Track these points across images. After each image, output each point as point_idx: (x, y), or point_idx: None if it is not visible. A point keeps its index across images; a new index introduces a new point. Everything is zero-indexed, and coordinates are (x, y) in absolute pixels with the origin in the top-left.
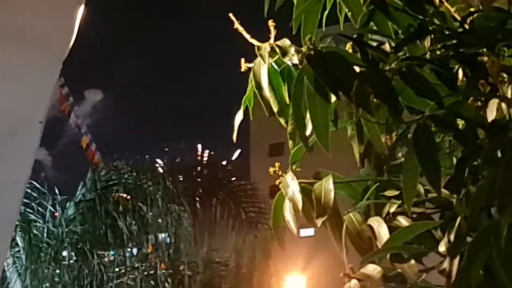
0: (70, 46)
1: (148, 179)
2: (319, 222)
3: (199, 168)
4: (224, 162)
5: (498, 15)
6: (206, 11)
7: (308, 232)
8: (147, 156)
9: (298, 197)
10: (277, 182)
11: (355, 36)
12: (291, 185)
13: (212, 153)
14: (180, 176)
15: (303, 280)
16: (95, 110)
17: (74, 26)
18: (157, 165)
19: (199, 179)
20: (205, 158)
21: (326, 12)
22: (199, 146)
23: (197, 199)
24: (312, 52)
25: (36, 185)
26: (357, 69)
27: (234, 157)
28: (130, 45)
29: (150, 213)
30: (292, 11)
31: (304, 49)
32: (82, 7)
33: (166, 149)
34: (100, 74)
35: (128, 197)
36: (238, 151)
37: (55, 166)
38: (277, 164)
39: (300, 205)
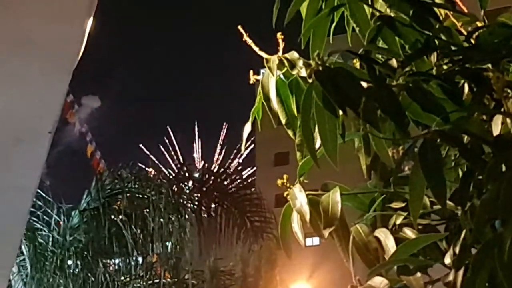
0: (79, 57)
1: (153, 188)
2: (326, 233)
3: (204, 177)
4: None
5: (503, 31)
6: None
7: (314, 241)
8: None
9: (306, 209)
10: (285, 194)
11: (362, 52)
12: (299, 197)
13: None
14: (185, 185)
15: None
16: (93, 116)
17: (84, 37)
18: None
19: (204, 188)
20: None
21: (334, 24)
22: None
23: (203, 208)
24: (320, 68)
25: (41, 193)
26: (364, 84)
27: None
28: (131, 53)
29: (155, 222)
30: (301, 24)
31: (312, 64)
32: (91, 18)
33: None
34: (99, 81)
35: (133, 205)
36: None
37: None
38: (285, 176)
39: (307, 217)
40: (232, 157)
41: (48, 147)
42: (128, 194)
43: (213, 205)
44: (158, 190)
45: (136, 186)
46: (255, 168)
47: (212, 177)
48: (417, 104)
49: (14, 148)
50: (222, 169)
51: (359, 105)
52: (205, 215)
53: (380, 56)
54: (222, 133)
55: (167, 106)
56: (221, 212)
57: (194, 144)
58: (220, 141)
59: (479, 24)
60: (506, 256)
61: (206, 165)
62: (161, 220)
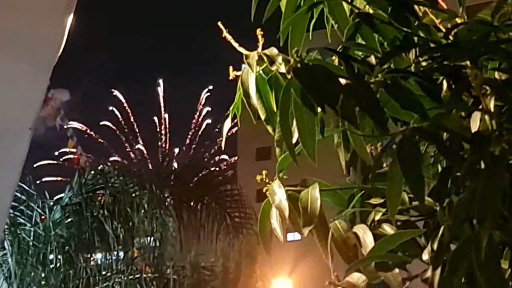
0: (59, 53)
1: (135, 184)
2: (305, 231)
3: (185, 172)
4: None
5: (482, 28)
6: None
7: (295, 236)
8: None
9: (285, 205)
10: (264, 190)
11: (340, 49)
12: (278, 193)
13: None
14: (167, 180)
15: (289, 284)
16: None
17: (64, 33)
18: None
19: (185, 183)
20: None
21: (313, 21)
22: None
23: (183, 203)
24: (299, 65)
25: (25, 187)
26: (342, 81)
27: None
28: (103, 46)
29: (137, 217)
30: (280, 20)
31: (291, 61)
32: (71, 15)
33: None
34: (68, 73)
35: (115, 200)
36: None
37: None
38: (264, 172)
39: (287, 213)
40: (212, 151)
41: (28, 144)
42: (110, 189)
43: (193, 201)
44: (141, 185)
45: (119, 181)
46: (236, 158)
47: (193, 172)
48: (396, 101)
49: None
50: (202, 164)
51: (337, 102)
52: (185, 211)
53: (359, 53)
54: (194, 121)
55: (141, 97)
56: (201, 207)
57: (166, 137)
58: (197, 134)
59: (458, 21)
60: (483, 255)
61: (187, 160)
62: (144, 215)
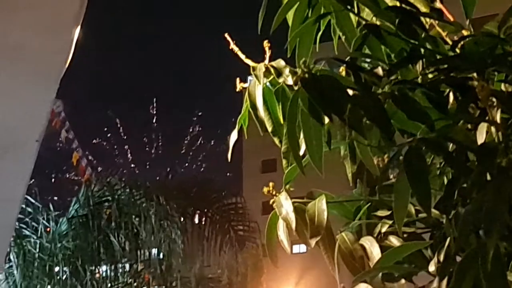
0: (66, 66)
1: (142, 196)
2: (313, 242)
3: (190, 185)
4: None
5: (488, 40)
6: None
7: (300, 249)
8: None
9: (292, 217)
10: (271, 202)
11: (348, 59)
12: (285, 205)
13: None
14: (174, 193)
15: None
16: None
17: (71, 46)
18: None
19: (191, 196)
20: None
21: (320, 33)
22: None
23: (188, 216)
24: (306, 76)
25: (30, 199)
26: (350, 92)
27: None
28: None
29: (144, 229)
30: (287, 32)
31: (298, 71)
32: (78, 27)
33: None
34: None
35: (122, 213)
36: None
37: None
38: (271, 184)
39: (293, 225)
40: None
41: (35, 156)
42: (117, 202)
43: (198, 214)
44: (149, 197)
45: (126, 193)
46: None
47: (197, 186)
48: (403, 112)
49: (1, 160)
50: (207, 178)
51: (345, 112)
52: (190, 223)
53: (366, 65)
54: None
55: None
56: (205, 220)
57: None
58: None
59: (464, 33)
60: (490, 266)
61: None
62: (152, 227)
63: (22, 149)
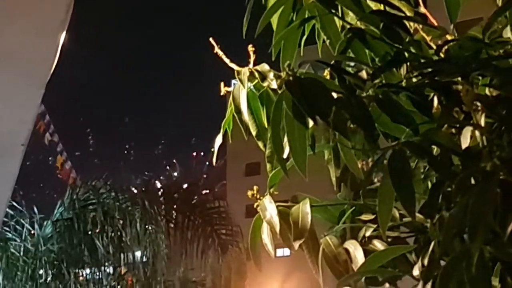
0: (52, 70)
1: (127, 199)
2: (296, 245)
3: (174, 189)
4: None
5: (473, 44)
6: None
7: (284, 252)
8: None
9: (276, 221)
10: (255, 205)
11: (333, 62)
12: (269, 208)
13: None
14: (158, 197)
15: None
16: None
17: (57, 50)
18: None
19: (174, 200)
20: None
21: (305, 37)
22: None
23: (173, 220)
24: (290, 78)
25: (14, 203)
26: (334, 95)
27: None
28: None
29: (129, 233)
30: (272, 36)
31: (283, 75)
32: (64, 32)
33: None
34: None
35: (107, 216)
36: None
37: None
38: (255, 187)
39: (277, 228)
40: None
41: (21, 160)
42: (102, 205)
43: (182, 218)
44: (133, 201)
45: (111, 197)
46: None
47: (180, 190)
48: (387, 115)
49: None
50: (190, 182)
51: (329, 114)
52: (173, 227)
53: (350, 69)
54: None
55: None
56: (188, 224)
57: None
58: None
59: (449, 37)
60: (474, 270)
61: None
62: (136, 230)
63: (8, 153)
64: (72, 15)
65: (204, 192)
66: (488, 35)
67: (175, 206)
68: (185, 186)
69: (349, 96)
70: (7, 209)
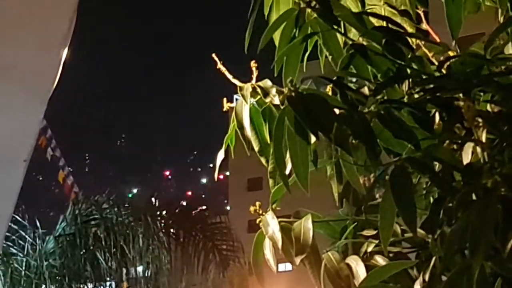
0: (54, 86)
1: (129, 215)
2: (297, 260)
3: (176, 205)
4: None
5: (474, 60)
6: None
7: (286, 267)
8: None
9: (278, 236)
10: (257, 221)
11: (335, 78)
12: (271, 224)
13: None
14: (160, 213)
15: None
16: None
17: (59, 66)
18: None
19: (176, 215)
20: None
21: (307, 53)
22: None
23: (174, 236)
24: (293, 94)
25: (17, 218)
26: (336, 111)
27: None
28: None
29: (132, 249)
30: (274, 52)
31: (285, 90)
32: (66, 48)
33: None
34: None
35: (110, 232)
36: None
37: None
38: (257, 203)
39: (280, 244)
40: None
41: (23, 175)
42: (104, 220)
43: (184, 233)
44: (136, 216)
45: (113, 212)
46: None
47: (182, 205)
48: (389, 131)
49: None
50: (192, 197)
51: (331, 129)
52: (174, 242)
53: (352, 85)
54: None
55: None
56: (189, 240)
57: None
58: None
59: (451, 53)
60: (475, 285)
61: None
62: (139, 246)
63: (10, 168)
64: (74, 30)
65: (205, 207)
66: (490, 51)
67: (176, 222)
68: (186, 201)
69: (351, 112)
70: (11, 224)
